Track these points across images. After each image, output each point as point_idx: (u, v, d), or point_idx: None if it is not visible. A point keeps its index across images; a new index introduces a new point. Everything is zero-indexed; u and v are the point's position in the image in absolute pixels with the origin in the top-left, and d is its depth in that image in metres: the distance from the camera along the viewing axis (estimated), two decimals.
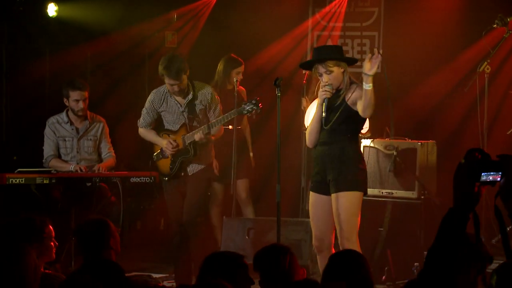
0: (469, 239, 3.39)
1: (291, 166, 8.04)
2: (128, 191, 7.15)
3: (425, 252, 2.53)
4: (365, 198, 5.78)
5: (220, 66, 7.84)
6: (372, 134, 7.19)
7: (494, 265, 3.23)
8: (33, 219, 4.78)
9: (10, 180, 6.64)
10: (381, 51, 5.34)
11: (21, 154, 8.19)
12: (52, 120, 7.41)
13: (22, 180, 6.68)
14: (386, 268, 6.74)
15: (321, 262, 5.75)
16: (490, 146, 7.05)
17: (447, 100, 8.25)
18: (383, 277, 6.72)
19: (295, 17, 9.26)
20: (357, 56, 8.72)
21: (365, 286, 3.64)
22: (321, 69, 5.59)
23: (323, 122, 5.60)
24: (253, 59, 8.04)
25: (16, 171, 6.82)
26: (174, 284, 6.84)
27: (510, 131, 7.39)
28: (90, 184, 6.91)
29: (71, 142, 7.37)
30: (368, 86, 5.36)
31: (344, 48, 7.86)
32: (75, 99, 7.26)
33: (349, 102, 5.59)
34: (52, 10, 8.58)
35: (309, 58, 8.78)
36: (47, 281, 4.32)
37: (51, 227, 4.83)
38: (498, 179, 2.59)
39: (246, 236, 7.29)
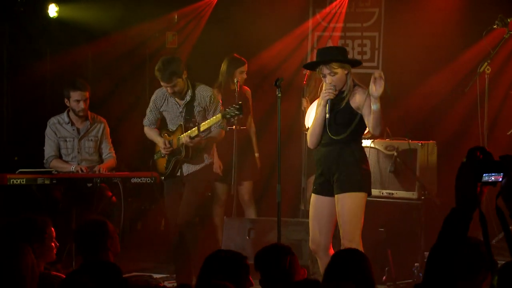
0: (478, 244, 3.40)
1: (291, 166, 8.04)
2: (129, 192, 7.17)
3: (426, 253, 2.54)
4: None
5: (223, 66, 7.84)
6: (372, 135, 7.19)
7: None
8: (34, 219, 4.79)
9: (11, 180, 6.65)
10: (382, 75, 5.39)
11: (22, 155, 8.20)
12: (53, 120, 7.42)
13: (23, 181, 6.69)
14: (386, 268, 6.74)
15: (319, 264, 5.79)
16: (490, 146, 7.06)
17: (447, 100, 8.25)
18: (384, 278, 6.72)
19: (296, 18, 9.26)
20: (358, 57, 8.73)
21: (367, 285, 3.64)
22: (325, 70, 5.60)
23: (326, 124, 5.61)
24: (253, 60, 8.05)
25: (17, 172, 6.84)
26: (175, 284, 6.84)
27: (510, 131, 7.40)
28: (91, 184, 6.91)
29: (72, 142, 7.38)
30: (375, 106, 5.41)
31: None
32: (76, 99, 7.27)
33: (353, 105, 5.61)
34: (53, 10, 8.59)
35: (309, 59, 8.81)
36: (47, 281, 4.33)
37: (52, 227, 4.84)
38: (500, 179, 2.60)
39: (247, 236, 7.30)
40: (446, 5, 8.42)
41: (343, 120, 5.61)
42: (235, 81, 7.66)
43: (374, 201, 6.85)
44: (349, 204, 5.55)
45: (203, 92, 6.85)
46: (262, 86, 8.20)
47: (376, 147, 7.11)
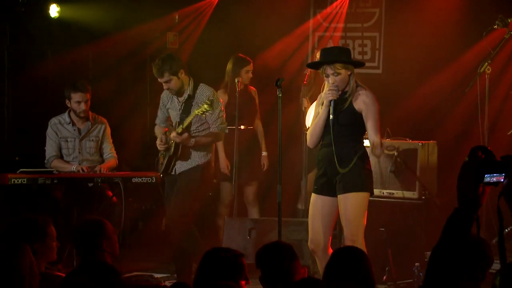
0: (480, 243, 3.41)
1: (292, 166, 8.05)
2: (130, 192, 7.16)
3: (426, 252, 2.54)
4: None
5: (229, 66, 7.83)
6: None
7: (496, 265, 3.24)
8: (35, 219, 4.79)
9: (12, 180, 6.66)
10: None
11: (23, 155, 8.20)
12: (54, 120, 7.42)
13: (24, 181, 6.70)
14: (387, 268, 6.75)
15: (318, 264, 5.80)
16: (491, 146, 7.00)
17: (448, 100, 8.25)
18: (384, 277, 6.73)
19: (296, 18, 9.27)
20: (358, 57, 8.73)
21: (366, 284, 3.63)
22: (329, 70, 5.61)
23: (330, 124, 5.62)
24: (254, 60, 8.05)
25: (18, 172, 6.84)
26: None
27: (510, 131, 7.40)
28: (92, 184, 6.91)
29: (73, 142, 7.38)
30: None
31: None
32: (77, 100, 7.28)
33: (355, 106, 5.63)
34: (54, 11, 8.59)
35: (310, 59, 8.81)
36: (48, 281, 4.34)
37: (53, 227, 4.85)
38: (502, 180, 2.60)
39: (248, 236, 7.31)
40: (446, 5, 8.43)
41: (345, 121, 5.62)
42: (236, 81, 7.66)
43: (375, 201, 6.85)
44: (352, 204, 5.57)
45: (203, 91, 6.86)
46: (262, 86, 8.20)
47: None
